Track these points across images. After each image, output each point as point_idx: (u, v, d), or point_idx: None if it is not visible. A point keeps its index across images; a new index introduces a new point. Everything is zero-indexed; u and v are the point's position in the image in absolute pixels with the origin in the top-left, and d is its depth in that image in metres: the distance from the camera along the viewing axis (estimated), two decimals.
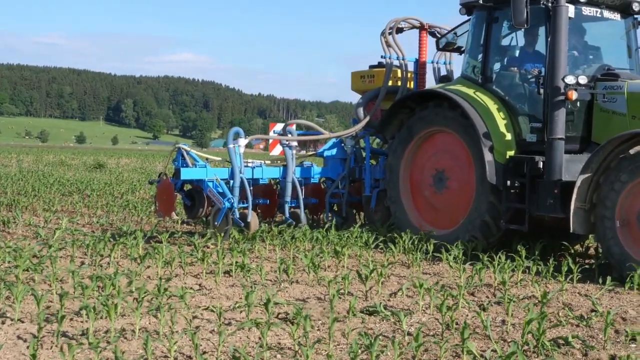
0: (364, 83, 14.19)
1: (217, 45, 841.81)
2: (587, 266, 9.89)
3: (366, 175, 13.48)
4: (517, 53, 11.85)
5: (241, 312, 7.31)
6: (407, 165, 12.44)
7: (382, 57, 13.77)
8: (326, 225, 12.54)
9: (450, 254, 10.03)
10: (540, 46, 11.34)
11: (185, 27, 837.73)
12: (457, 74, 13.07)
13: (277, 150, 14.38)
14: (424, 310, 7.59)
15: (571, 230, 10.02)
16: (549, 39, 10.49)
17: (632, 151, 9.71)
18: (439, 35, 14.02)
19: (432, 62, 14.22)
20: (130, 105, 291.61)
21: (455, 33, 13.33)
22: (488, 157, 10.96)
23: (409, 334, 6.51)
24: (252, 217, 12.27)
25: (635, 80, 10.90)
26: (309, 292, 8.51)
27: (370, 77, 14.10)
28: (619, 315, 7.59)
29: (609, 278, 8.77)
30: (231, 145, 12.33)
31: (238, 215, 12.20)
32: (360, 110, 13.74)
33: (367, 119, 13.55)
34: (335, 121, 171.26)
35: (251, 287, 8.33)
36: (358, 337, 5.92)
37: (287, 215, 13.03)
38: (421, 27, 14.03)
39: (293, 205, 13.16)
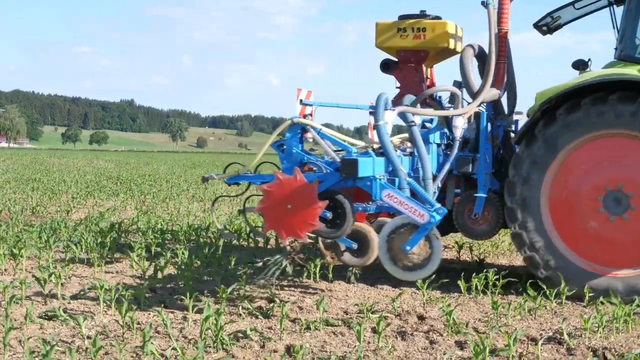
0: (403, 38, 10.03)
1: None
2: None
3: (479, 169, 9.57)
4: None
5: None
6: (548, 186, 8.89)
7: (482, 3, 9.65)
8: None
9: (132, 252, 9.95)
10: None
11: None
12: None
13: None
14: (105, 312, 7.48)
15: None
16: None
17: None
18: None
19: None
20: None
21: (573, 5, 10.25)
22: None
23: (88, 337, 6.39)
24: None
25: None
26: None
27: (417, 30, 9.94)
28: (297, 304, 7.95)
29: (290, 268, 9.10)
30: (381, 122, 8.13)
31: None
32: (472, 78, 9.54)
33: (493, 91, 9.50)
34: (17, 112, 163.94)
35: None
36: (35, 345, 5.74)
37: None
38: None
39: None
